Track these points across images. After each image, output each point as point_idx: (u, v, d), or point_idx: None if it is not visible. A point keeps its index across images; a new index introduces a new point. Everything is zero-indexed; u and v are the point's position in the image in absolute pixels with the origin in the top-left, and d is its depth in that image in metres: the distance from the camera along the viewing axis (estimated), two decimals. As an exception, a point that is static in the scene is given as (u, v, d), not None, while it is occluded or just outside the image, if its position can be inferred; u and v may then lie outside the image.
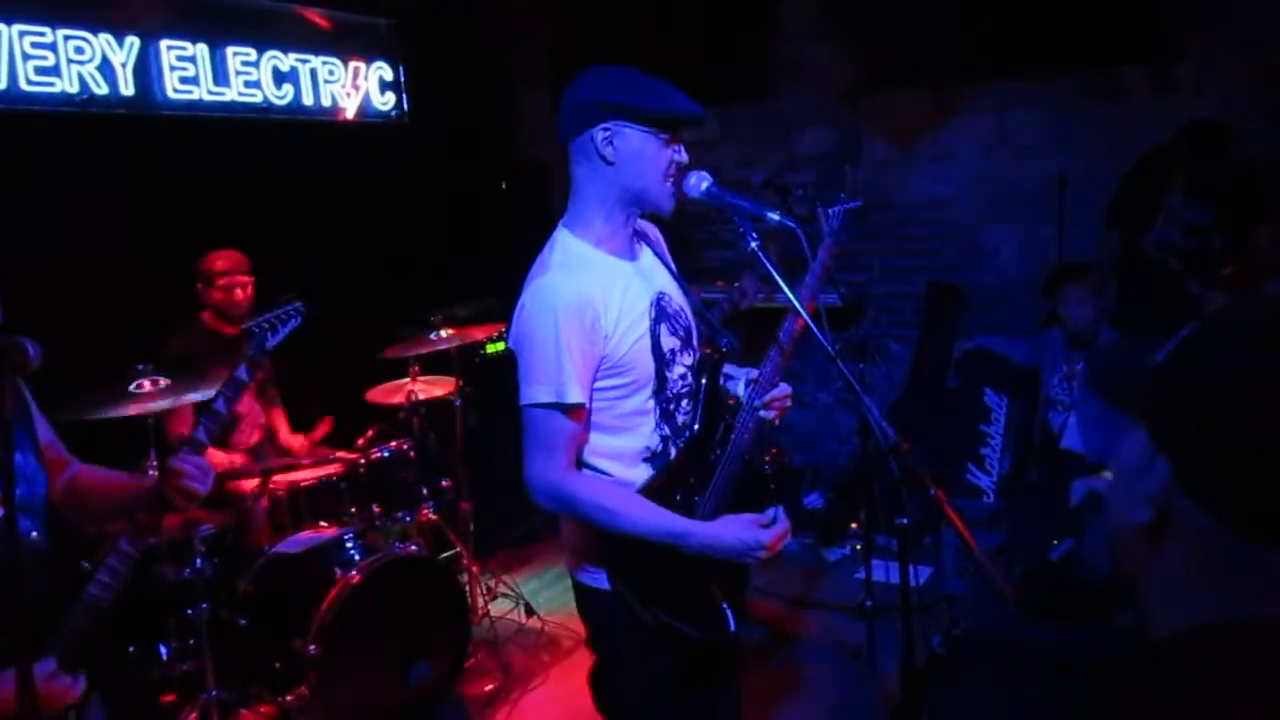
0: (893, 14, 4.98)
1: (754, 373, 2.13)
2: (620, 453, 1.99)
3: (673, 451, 2.02)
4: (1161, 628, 0.95)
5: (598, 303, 1.90)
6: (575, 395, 1.86)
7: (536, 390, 1.86)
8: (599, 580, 2.00)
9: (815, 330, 1.88)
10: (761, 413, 2.08)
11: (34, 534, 1.82)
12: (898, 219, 5.36)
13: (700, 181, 1.97)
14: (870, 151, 5.40)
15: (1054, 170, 4.77)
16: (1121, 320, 4.19)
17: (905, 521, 1.80)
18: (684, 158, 1.98)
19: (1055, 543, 3.44)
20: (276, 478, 3.73)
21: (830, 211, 2.23)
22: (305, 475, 3.74)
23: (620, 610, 1.96)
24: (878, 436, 1.75)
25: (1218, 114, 4.24)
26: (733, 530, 1.90)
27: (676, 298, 2.10)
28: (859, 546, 4.89)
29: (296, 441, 4.23)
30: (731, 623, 2.01)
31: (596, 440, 1.98)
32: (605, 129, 1.91)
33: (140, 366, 3.27)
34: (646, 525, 1.89)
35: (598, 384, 1.93)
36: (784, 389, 2.13)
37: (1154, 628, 0.97)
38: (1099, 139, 4.69)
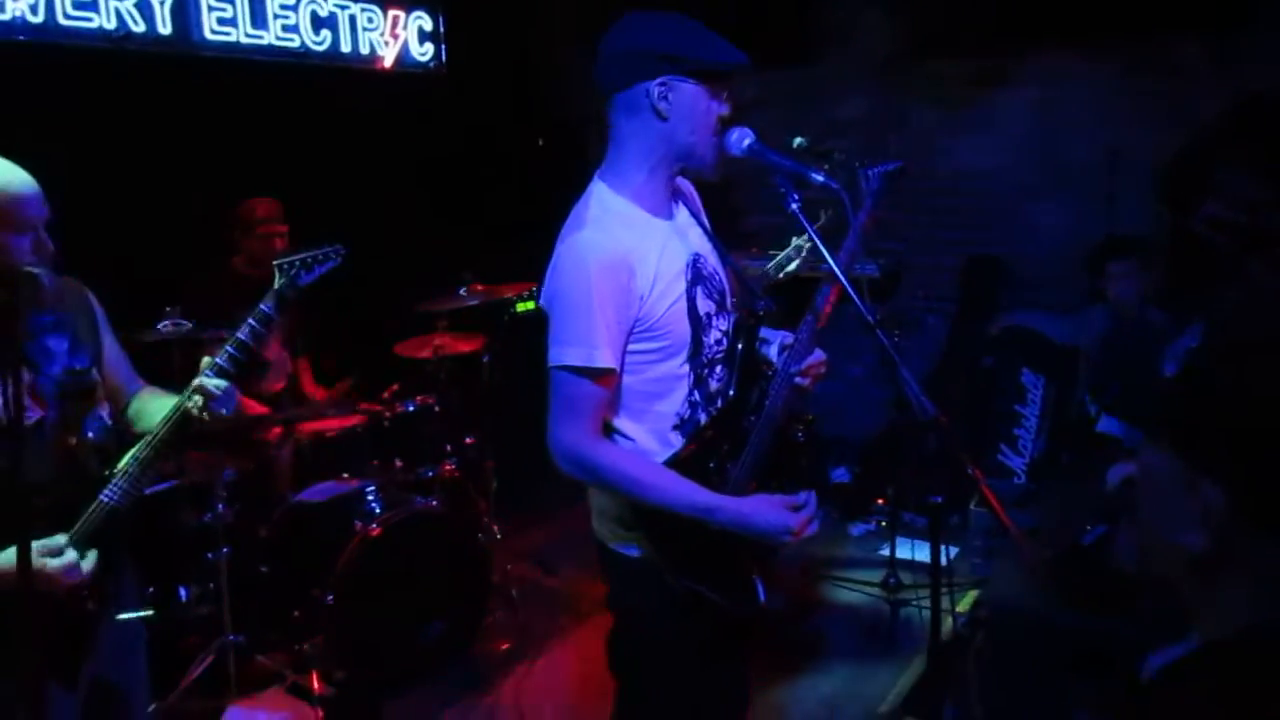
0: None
1: (789, 337, 2.06)
2: (652, 418, 1.93)
3: (703, 418, 1.95)
4: (1214, 630, 0.90)
5: (634, 261, 1.82)
6: (606, 360, 1.79)
7: (567, 352, 1.79)
8: (627, 547, 1.96)
9: (855, 297, 1.80)
10: (796, 379, 2.01)
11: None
12: (939, 189, 5.22)
13: (743, 138, 1.89)
14: (914, 119, 5.25)
15: (1104, 144, 4.62)
16: (1169, 296, 4.07)
17: (939, 500, 1.73)
18: (727, 110, 1.90)
19: (1088, 528, 3.36)
20: (301, 426, 3.72)
21: (870, 173, 2.14)
22: (329, 425, 3.72)
23: (646, 576, 1.92)
24: (916, 410, 1.68)
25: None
26: (761, 511, 1.85)
27: (712, 259, 2.03)
28: (884, 523, 4.83)
29: (319, 394, 4.22)
30: (761, 594, 1.96)
31: (628, 404, 1.91)
32: (662, 82, 1.81)
33: (169, 308, 3.25)
34: (674, 499, 1.83)
35: (631, 347, 1.85)
36: (819, 356, 2.06)
37: (1204, 629, 0.91)
38: (1154, 112, 4.52)
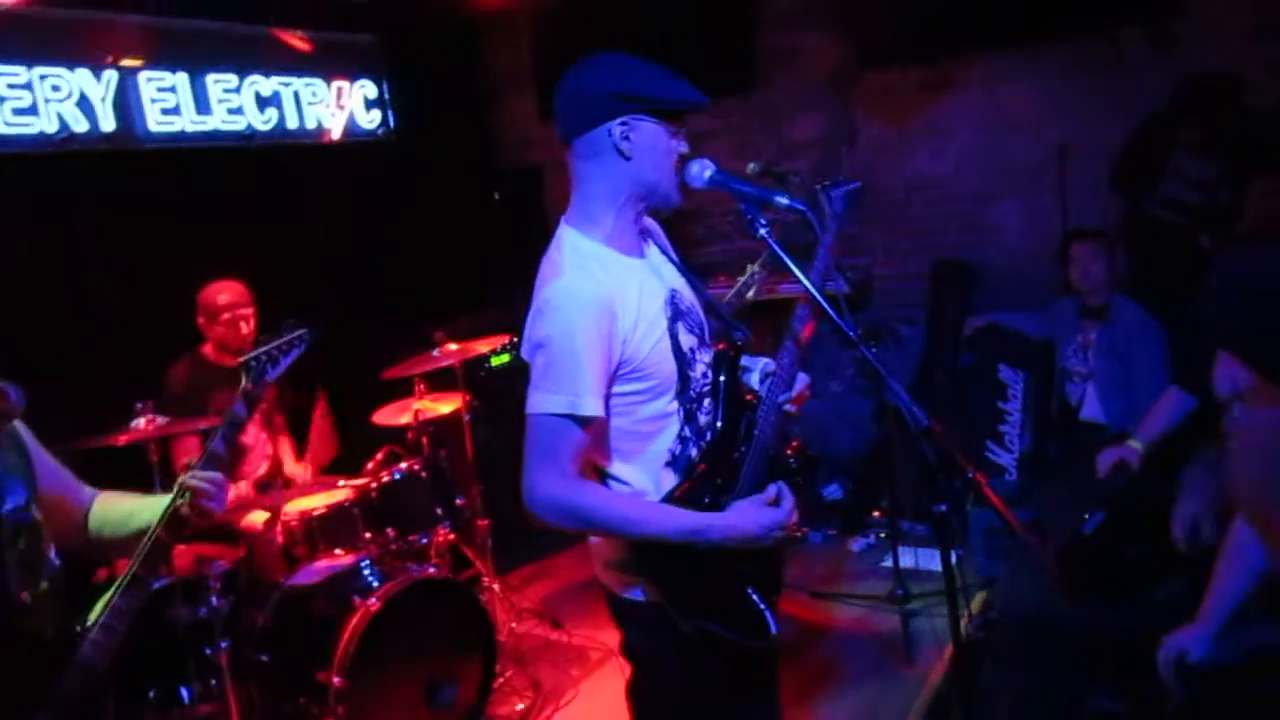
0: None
1: (770, 364, 2.06)
2: (643, 458, 1.92)
3: (694, 453, 1.95)
4: None
5: (616, 304, 1.82)
6: (591, 407, 1.78)
7: (549, 399, 1.78)
8: (633, 592, 1.94)
9: (833, 314, 1.81)
10: (785, 406, 2.01)
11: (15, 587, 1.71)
12: (898, 200, 5.30)
13: (703, 169, 1.90)
14: (865, 133, 5.34)
15: (1053, 140, 4.71)
16: (1134, 283, 4.13)
17: (944, 508, 1.73)
18: (686, 148, 1.92)
19: (1086, 516, 3.37)
20: (288, 508, 3.67)
21: (833, 194, 2.15)
22: (317, 504, 3.67)
23: (657, 619, 1.90)
24: (908, 420, 1.69)
25: (1220, 68, 4.16)
26: (748, 517, 1.87)
27: (687, 294, 2.04)
28: (883, 535, 4.82)
29: (299, 470, 4.17)
30: (772, 625, 1.95)
31: (619, 447, 1.90)
32: (623, 122, 1.83)
33: (139, 405, 3.21)
34: (664, 527, 1.83)
35: (617, 389, 1.85)
36: (804, 381, 2.07)
37: None
38: (1098, 105, 4.62)
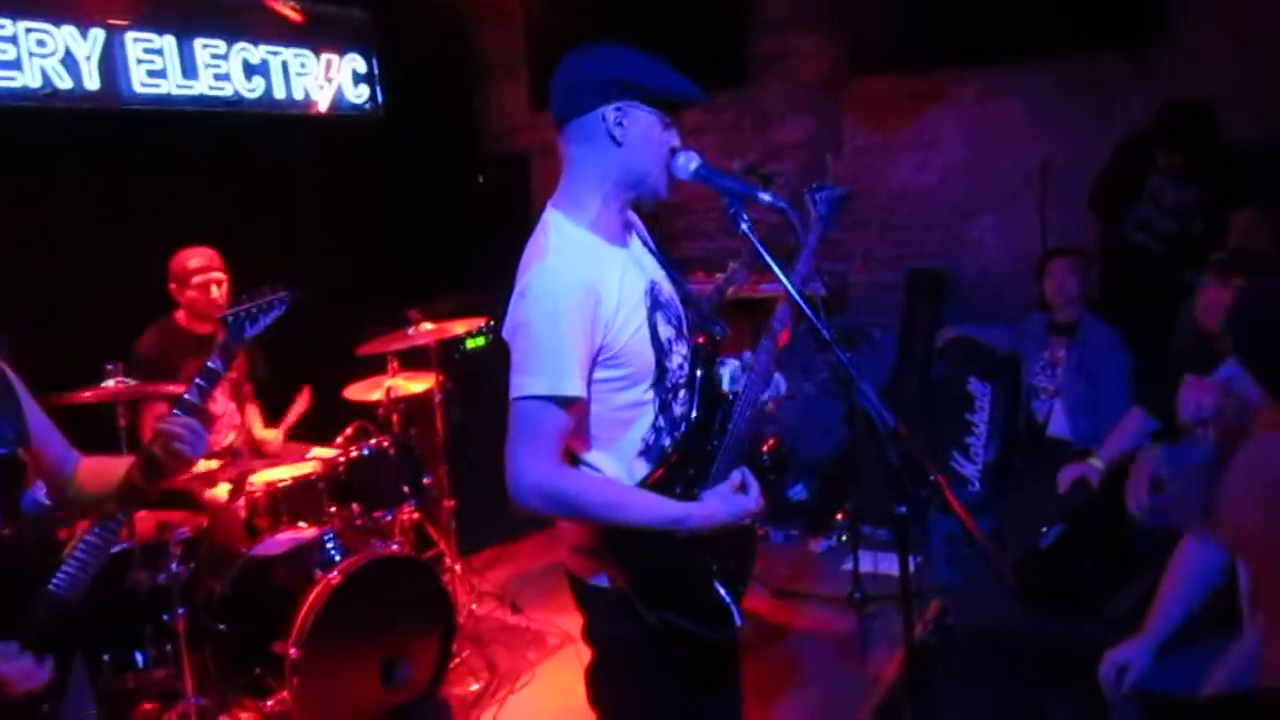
0: (874, 1, 4.96)
1: (738, 366, 2.08)
2: (617, 446, 1.93)
3: (668, 443, 1.96)
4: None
5: (599, 288, 1.83)
6: (573, 388, 1.78)
7: (532, 381, 1.78)
8: (599, 578, 1.95)
9: (811, 316, 1.83)
10: (763, 404, 2.04)
11: None
12: (880, 207, 5.34)
13: (689, 161, 1.91)
14: (852, 139, 5.37)
15: (1037, 158, 4.77)
16: (1104, 304, 4.19)
17: (904, 510, 1.75)
18: (677, 141, 1.93)
19: (1044, 530, 3.43)
20: (253, 479, 3.66)
21: (818, 196, 2.17)
22: (283, 475, 3.67)
23: (621, 607, 1.91)
24: (876, 422, 1.71)
25: (1199, 95, 4.23)
26: (723, 503, 1.90)
27: (667, 286, 2.05)
28: (845, 537, 4.87)
29: (270, 435, 4.16)
30: (737, 617, 1.97)
31: (595, 434, 1.91)
32: (618, 108, 1.84)
33: (109, 366, 3.19)
34: (648, 514, 1.85)
35: (596, 375, 1.86)
36: (781, 383, 2.10)
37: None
38: (1082, 125, 4.68)
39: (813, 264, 2.09)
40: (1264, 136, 4.10)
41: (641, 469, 1.94)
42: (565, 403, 1.79)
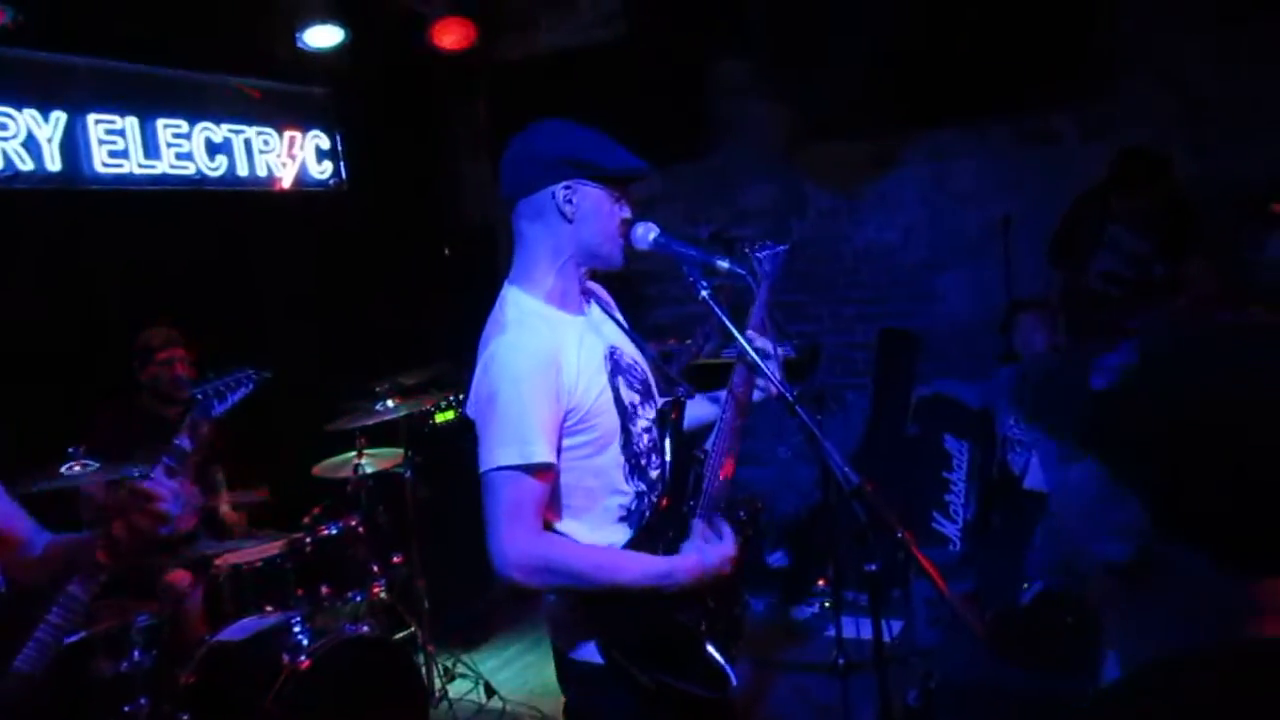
0: (827, 67, 5.10)
1: (754, 336, 2.10)
2: (593, 514, 1.96)
3: (645, 507, 1.99)
4: (1130, 659, 0.94)
5: (559, 356, 1.88)
6: (542, 454, 1.81)
7: (500, 453, 1.81)
8: (589, 653, 1.94)
9: (765, 369, 1.89)
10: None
11: None
12: (846, 269, 5.45)
13: (648, 232, 1.98)
14: (815, 202, 5.50)
15: (996, 213, 4.90)
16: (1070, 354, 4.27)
17: (875, 568, 1.78)
18: (628, 213, 2.00)
19: (1025, 586, 3.45)
20: (217, 561, 3.62)
21: (761, 255, 2.24)
22: (247, 557, 3.63)
23: (609, 680, 1.90)
24: (840, 481, 1.75)
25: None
26: (704, 554, 1.92)
27: (629, 351, 2.10)
28: (827, 604, 4.85)
29: (234, 516, 4.13)
30: (733, 677, 1.97)
31: (569, 503, 1.94)
32: (567, 186, 1.91)
33: (72, 450, 3.18)
34: (635, 573, 1.87)
35: (567, 442, 1.89)
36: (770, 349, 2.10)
37: (1120, 661, 0.95)
38: (1037, 180, 4.83)
39: (764, 316, 2.15)
40: (1205, 178, 4.25)
41: (621, 535, 1.96)
42: (536, 470, 1.81)
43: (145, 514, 1.84)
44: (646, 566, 1.88)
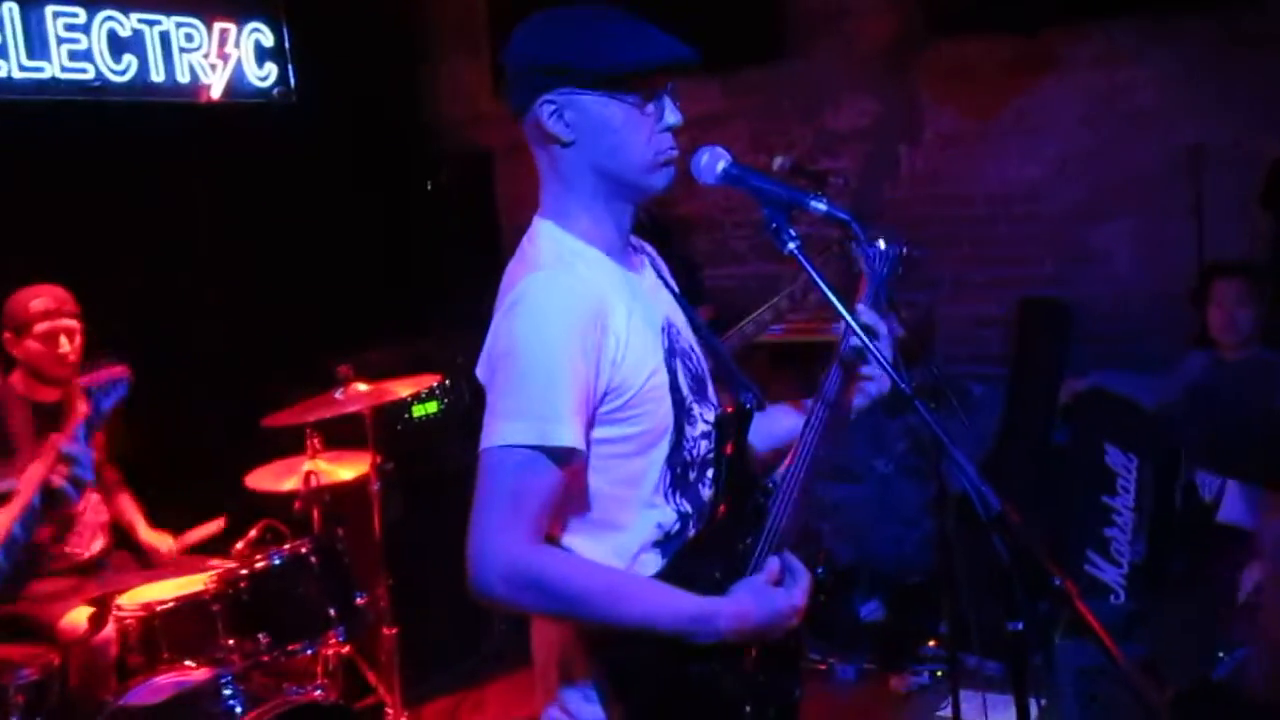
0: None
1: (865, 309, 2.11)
2: (618, 533, 1.95)
3: (689, 532, 1.99)
4: None
5: (606, 314, 1.86)
6: (568, 436, 1.78)
7: (512, 427, 1.79)
8: (590, 713, 1.94)
9: (881, 362, 1.86)
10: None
11: None
12: (976, 217, 5.39)
13: (716, 160, 1.95)
14: (933, 125, 5.44)
15: (1185, 142, 4.81)
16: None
17: (1018, 627, 1.76)
18: (676, 118, 1.96)
19: (1220, 655, 3.42)
20: (122, 601, 3.66)
21: (868, 253, 2.22)
22: (163, 595, 3.66)
23: None
24: (976, 507, 1.72)
25: None
26: (755, 596, 1.91)
27: (686, 334, 2.09)
28: (940, 672, 4.83)
29: (162, 542, 4.17)
30: None
31: (590, 514, 1.93)
32: (550, 101, 1.91)
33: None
34: (660, 608, 1.84)
35: (599, 432, 1.88)
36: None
37: None
38: (1244, 97, 4.74)
39: (878, 297, 2.16)
40: None
41: (653, 564, 1.95)
42: (557, 457, 1.79)
43: (66, 477, 1.92)
44: (677, 603, 1.86)
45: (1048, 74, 5.17)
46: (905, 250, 2.26)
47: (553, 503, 1.83)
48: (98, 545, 4.06)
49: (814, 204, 1.90)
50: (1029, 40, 5.16)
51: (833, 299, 1.88)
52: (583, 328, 1.81)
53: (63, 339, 3.89)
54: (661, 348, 1.96)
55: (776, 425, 2.21)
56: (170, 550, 4.17)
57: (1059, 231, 5.26)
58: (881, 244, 2.23)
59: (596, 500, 1.93)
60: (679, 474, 1.98)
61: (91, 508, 4.06)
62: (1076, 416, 4.95)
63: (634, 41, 1.92)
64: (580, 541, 1.93)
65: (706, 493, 2.02)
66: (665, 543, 1.97)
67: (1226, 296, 4.00)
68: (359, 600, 3.97)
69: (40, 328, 3.87)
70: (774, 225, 1.91)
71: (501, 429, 1.80)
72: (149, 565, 4.14)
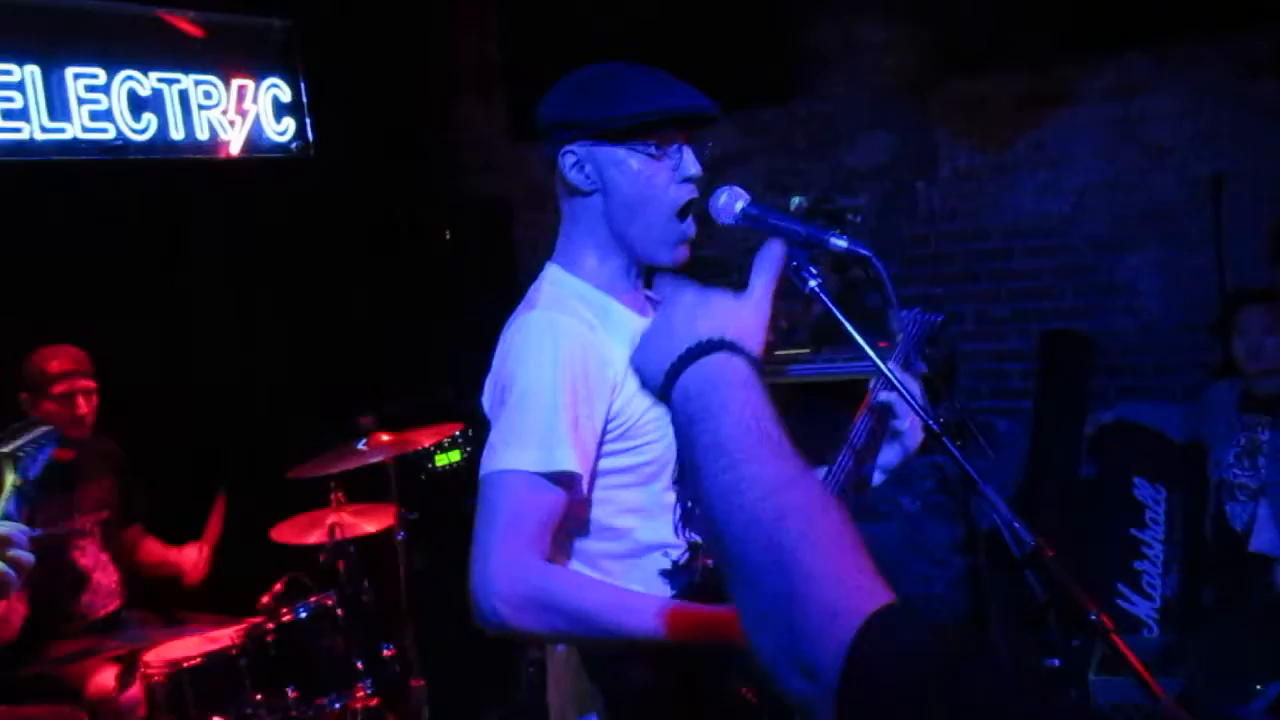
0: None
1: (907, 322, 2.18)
2: (625, 564, 1.96)
3: (699, 566, 1.99)
4: None
5: (603, 349, 1.93)
6: (568, 460, 1.83)
7: (514, 455, 1.84)
8: None
9: (909, 399, 1.85)
10: None
11: None
12: (994, 250, 5.37)
13: (734, 200, 1.94)
14: (951, 158, 5.43)
15: (1205, 172, 4.80)
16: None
17: (1056, 664, 1.74)
18: (695, 169, 2.03)
19: (1258, 688, 3.36)
20: (148, 657, 3.65)
21: (904, 316, 2.27)
22: (189, 651, 3.65)
23: None
24: (1009, 542, 1.70)
25: None
26: None
27: None
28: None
29: (188, 558, 4.21)
30: None
31: (594, 545, 1.96)
32: (569, 152, 2.01)
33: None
34: (665, 622, 1.82)
35: (601, 463, 1.92)
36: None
37: None
38: (1262, 124, 4.72)
39: (909, 354, 2.21)
40: None
41: (662, 594, 1.96)
42: (557, 480, 1.83)
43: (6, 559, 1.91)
44: (685, 614, 1.85)
45: (1063, 107, 5.17)
46: (943, 320, 2.29)
47: (553, 522, 1.85)
48: (111, 604, 4.07)
49: (834, 241, 1.89)
50: (1042, 73, 5.17)
51: (865, 346, 1.86)
52: (574, 360, 1.88)
53: (80, 400, 3.92)
54: None
55: None
56: (200, 560, 4.22)
57: (1079, 264, 5.23)
58: (918, 310, 2.26)
59: (603, 532, 1.96)
60: (690, 507, 1.99)
61: (101, 567, 4.08)
62: (1103, 449, 4.92)
63: (650, 91, 2.00)
64: (585, 573, 1.96)
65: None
66: (673, 574, 1.98)
67: (1252, 324, 3.97)
68: (386, 652, 3.97)
69: (58, 389, 3.90)
70: (794, 264, 1.90)
71: (501, 455, 1.85)
72: (173, 621, 4.13)
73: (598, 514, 1.95)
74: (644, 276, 2.12)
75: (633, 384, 1.89)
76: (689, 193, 2.02)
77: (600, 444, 1.91)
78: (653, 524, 1.98)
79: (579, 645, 1.92)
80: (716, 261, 5.66)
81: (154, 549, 4.30)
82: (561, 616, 1.81)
